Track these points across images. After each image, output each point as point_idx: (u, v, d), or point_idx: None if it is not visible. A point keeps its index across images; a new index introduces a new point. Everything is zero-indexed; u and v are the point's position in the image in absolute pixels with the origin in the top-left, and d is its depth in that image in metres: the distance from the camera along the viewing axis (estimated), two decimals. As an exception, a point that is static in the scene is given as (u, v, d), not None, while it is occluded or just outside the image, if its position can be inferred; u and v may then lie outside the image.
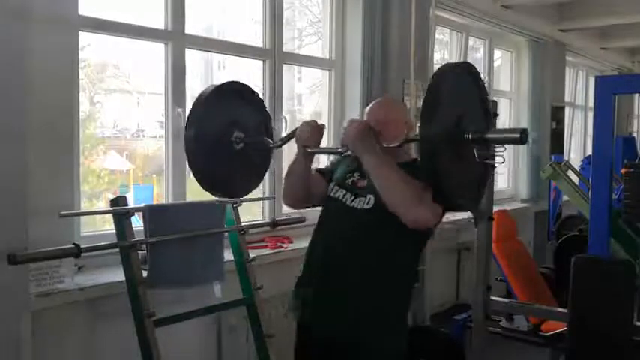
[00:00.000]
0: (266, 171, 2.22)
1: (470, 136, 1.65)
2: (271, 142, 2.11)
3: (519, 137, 1.62)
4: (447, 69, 1.71)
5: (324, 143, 2.14)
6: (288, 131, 2.23)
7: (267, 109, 2.28)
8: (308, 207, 2.24)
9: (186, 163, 2.02)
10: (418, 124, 1.65)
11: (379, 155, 1.84)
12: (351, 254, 1.96)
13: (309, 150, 2.02)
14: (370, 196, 1.94)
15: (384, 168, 1.83)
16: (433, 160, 1.61)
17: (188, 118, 1.97)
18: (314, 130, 2.02)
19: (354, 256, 1.96)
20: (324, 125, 2.07)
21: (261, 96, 2.20)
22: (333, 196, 2.05)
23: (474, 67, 1.78)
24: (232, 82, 2.08)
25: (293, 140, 2.08)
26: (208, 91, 1.97)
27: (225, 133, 2.02)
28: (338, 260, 1.97)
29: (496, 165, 1.84)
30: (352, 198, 2.00)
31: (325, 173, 2.19)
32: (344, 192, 2.03)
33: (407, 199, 1.80)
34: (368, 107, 2.14)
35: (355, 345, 1.92)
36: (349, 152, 1.94)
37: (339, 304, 1.94)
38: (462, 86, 1.71)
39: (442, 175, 1.62)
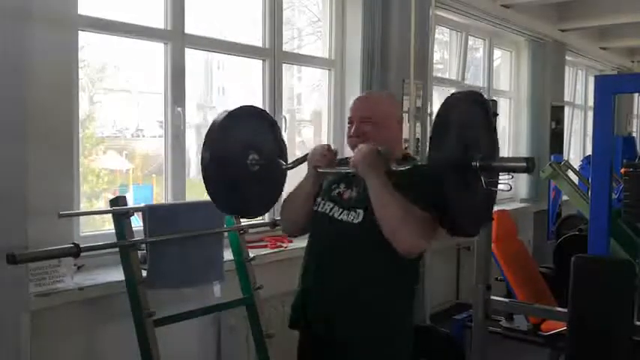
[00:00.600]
0: (280, 192, 2.19)
1: (477, 163, 1.67)
2: (284, 163, 2.11)
3: (526, 166, 1.65)
4: (457, 99, 1.72)
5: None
6: (295, 149, 2.21)
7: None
8: (305, 232, 2.14)
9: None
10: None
11: (385, 183, 1.81)
12: (346, 266, 1.93)
13: (320, 170, 1.99)
14: (359, 211, 1.91)
15: (387, 197, 1.80)
16: (441, 187, 1.62)
17: (204, 142, 1.95)
18: (326, 152, 2.00)
19: (349, 267, 1.93)
20: (337, 150, 2.04)
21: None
22: (320, 210, 2.01)
23: (483, 96, 1.80)
24: (245, 106, 2.08)
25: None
26: (222, 116, 1.97)
27: (241, 156, 2.02)
28: (333, 274, 1.94)
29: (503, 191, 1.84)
30: (340, 211, 1.96)
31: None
32: (331, 205, 1.99)
33: (404, 234, 1.79)
34: (351, 102, 2.07)
35: (356, 346, 1.91)
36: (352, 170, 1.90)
37: (340, 308, 1.93)
38: (471, 115, 1.72)
39: (450, 202, 1.64)
